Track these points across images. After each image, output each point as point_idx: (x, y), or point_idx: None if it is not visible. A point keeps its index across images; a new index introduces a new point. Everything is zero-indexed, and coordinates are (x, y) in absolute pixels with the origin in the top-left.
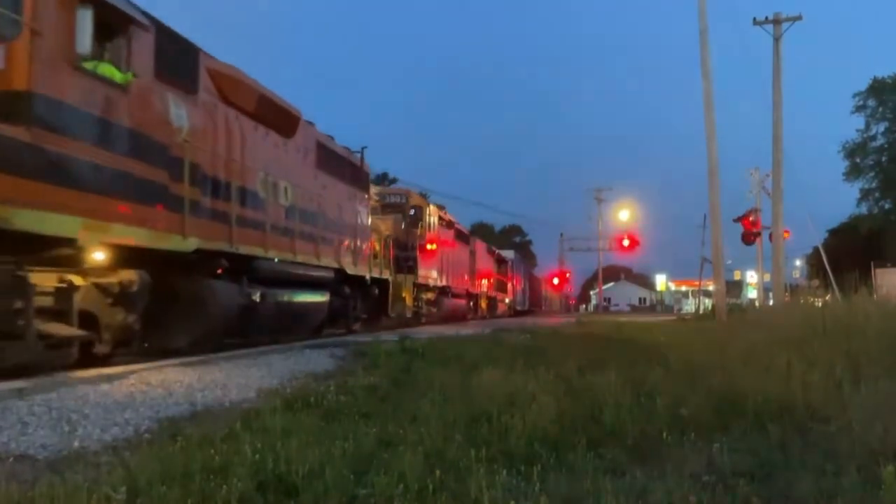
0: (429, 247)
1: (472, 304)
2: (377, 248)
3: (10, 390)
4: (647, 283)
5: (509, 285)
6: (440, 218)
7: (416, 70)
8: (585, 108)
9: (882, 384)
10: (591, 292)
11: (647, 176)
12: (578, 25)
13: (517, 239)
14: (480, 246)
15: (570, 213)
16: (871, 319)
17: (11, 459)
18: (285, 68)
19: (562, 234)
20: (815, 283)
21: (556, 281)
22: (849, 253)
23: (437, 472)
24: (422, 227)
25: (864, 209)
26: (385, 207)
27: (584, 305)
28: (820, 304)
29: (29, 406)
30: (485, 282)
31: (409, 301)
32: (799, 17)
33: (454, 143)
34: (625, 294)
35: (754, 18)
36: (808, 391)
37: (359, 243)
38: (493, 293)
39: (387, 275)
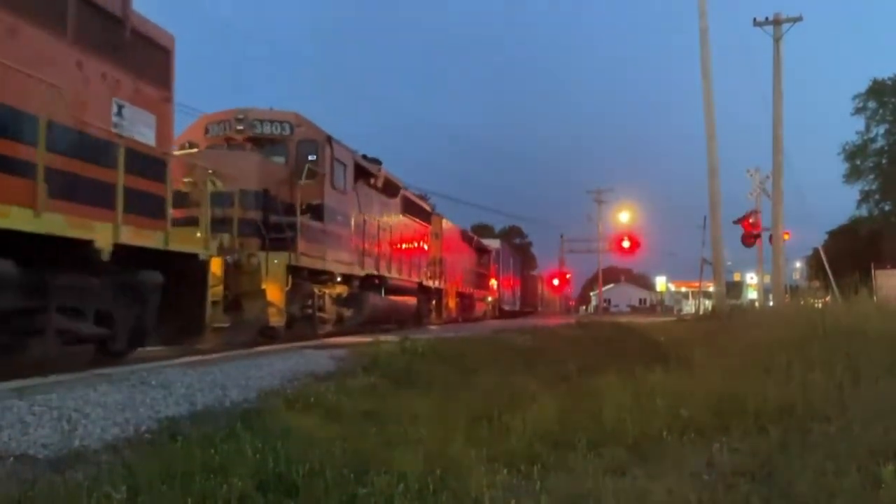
0: (327, 207)
1: (429, 302)
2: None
3: (10, 390)
4: (647, 285)
5: (493, 281)
6: (361, 169)
7: (415, 69)
8: (585, 108)
9: (882, 385)
10: (592, 293)
11: (648, 177)
12: (579, 25)
13: (517, 240)
14: (450, 228)
15: (570, 214)
16: (870, 321)
17: (12, 459)
18: (283, 67)
19: (562, 236)
20: (816, 284)
21: (555, 282)
22: (849, 255)
23: (437, 472)
24: (319, 175)
25: (864, 211)
26: (253, 142)
27: (584, 306)
28: (820, 306)
29: (29, 405)
30: (458, 274)
31: (276, 296)
32: (799, 18)
33: (454, 143)
34: (625, 295)
35: (754, 19)
36: (809, 392)
37: None
38: (468, 289)
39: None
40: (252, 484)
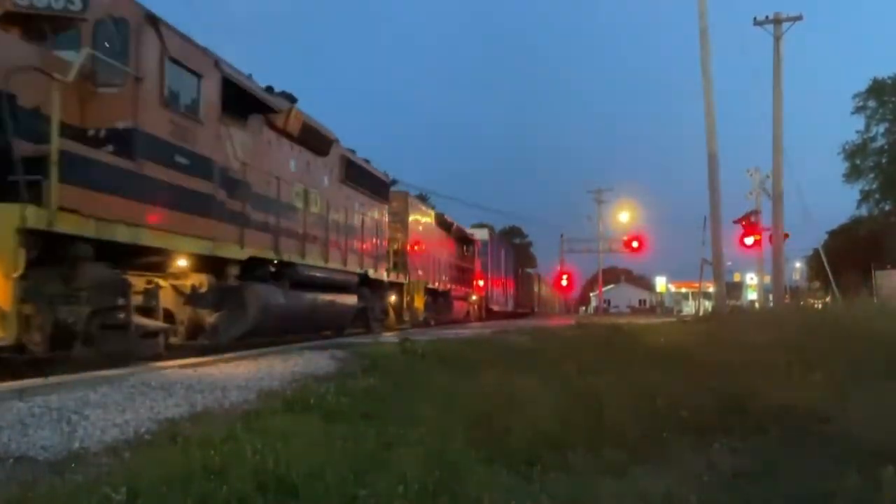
0: (142, 135)
1: (381, 301)
2: None
3: (11, 391)
4: (647, 285)
5: (479, 278)
6: (245, 95)
7: (415, 69)
8: (586, 108)
9: (882, 385)
10: (591, 294)
11: (648, 177)
12: (579, 25)
13: (517, 240)
14: (420, 209)
15: (570, 214)
16: (870, 321)
17: (11, 460)
18: (280, 64)
19: (562, 235)
20: (816, 284)
21: (564, 282)
22: (849, 255)
23: (437, 472)
24: (129, 80)
25: (864, 211)
26: (21, 21)
27: (583, 307)
28: (820, 306)
29: (29, 407)
30: (430, 267)
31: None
32: (799, 17)
33: (454, 143)
34: (624, 295)
35: (755, 18)
36: (809, 392)
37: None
38: (443, 286)
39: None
40: (252, 485)
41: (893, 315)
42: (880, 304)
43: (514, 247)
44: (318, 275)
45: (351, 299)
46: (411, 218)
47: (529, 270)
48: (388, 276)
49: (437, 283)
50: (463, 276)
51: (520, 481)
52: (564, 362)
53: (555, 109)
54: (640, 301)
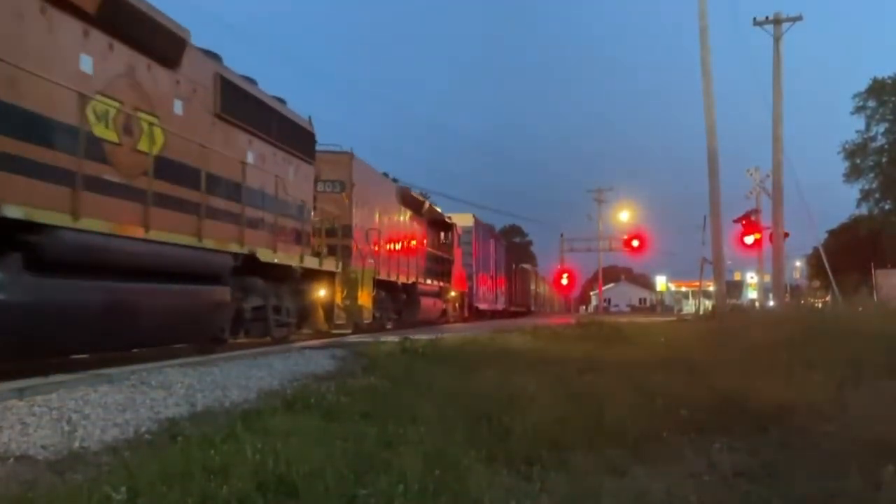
0: None
1: (300, 299)
2: None
3: (11, 390)
4: (647, 284)
5: (461, 272)
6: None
7: (415, 69)
8: (586, 108)
9: (882, 384)
10: (592, 293)
11: (648, 176)
12: (579, 24)
13: (517, 239)
14: (373, 176)
15: (570, 214)
16: (870, 320)
17: (12, 460)
18: (278, 64)
19: (562, 235)
20: (816, 284)
21: (564, 281)
22: (849, 254)
23: (437, 472)
24: None
25: (864, 210)
26: None
27: (584, 306)
28: (820, 305)
29: (29, 406)
30: (388, 253)
31: None
32: (799, 18)
33: (454, 143)
34: (625, 295)
35: (754, 18)
36: (809, 391)
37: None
38: (409, 278)
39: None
40: (252, 485)
41: (893, 314)
42: (880, 304)
43: (512, 243)
44: (121, 249)
45: (215, 294)
46: (358, 188)
47: (526, 266)
48: (303, 261)
49: (396, 275)
50: (438, 267)
51: (520, 481)
52: (565, 363)
53: (555, 109)
54: (640, 300)
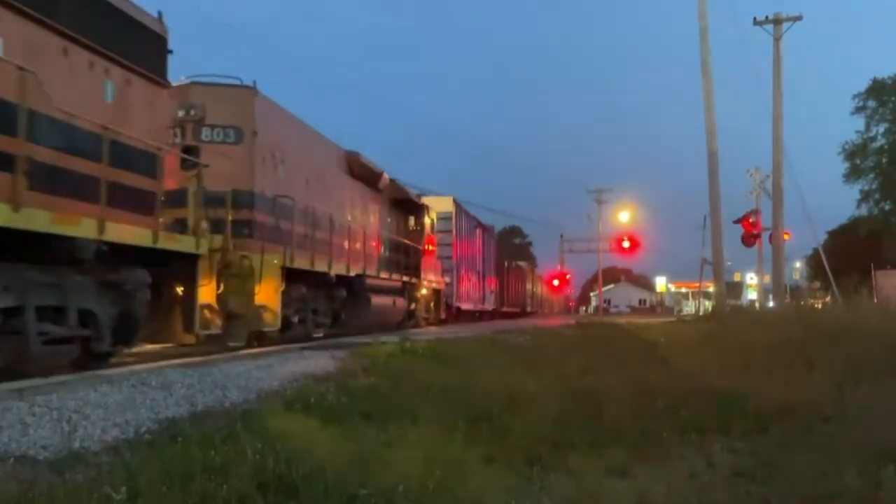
0: None
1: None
2: None
3: (10, 391)
4: (647, 285)
5: (435, 265)
6: None
7: (415, 69)
8: (586, 108)
9: (882, 385)
10: (592, 294)
11: (648, 176)
12: (579, 24)
13: (517, 240)
14: (283, 119)
15: (570, 214)
16: (870, 321)
17: (12, 460)
18: (279, 64)
19: (562, 236)
20: (816, 284)
21: (556, 283)
22: (849, 255)
23: (437, 472)
24: None
25: (864, 211)
26: None
27: (584, 307)
28: (820, 306)
29: (29, 406)
30: (331, 236)
31: None
32: (799, 17)
33: (454, 143)
34: (625, 295)
35: (754, 18)
36: (809, 392)
37: None
38: (349, 266)
39: None
40: (252, 485)
41: (893, 315)
42: (880, 304)
43: (510, 243)
44: None
45: None
46: (265, 138)
47: (521, 264)
48: (103, 233)
49: (328, 264)
50: (402, 258)
51: (520, 481)
52: (565, 363)
53: (555, 109)
54: (640, 301)
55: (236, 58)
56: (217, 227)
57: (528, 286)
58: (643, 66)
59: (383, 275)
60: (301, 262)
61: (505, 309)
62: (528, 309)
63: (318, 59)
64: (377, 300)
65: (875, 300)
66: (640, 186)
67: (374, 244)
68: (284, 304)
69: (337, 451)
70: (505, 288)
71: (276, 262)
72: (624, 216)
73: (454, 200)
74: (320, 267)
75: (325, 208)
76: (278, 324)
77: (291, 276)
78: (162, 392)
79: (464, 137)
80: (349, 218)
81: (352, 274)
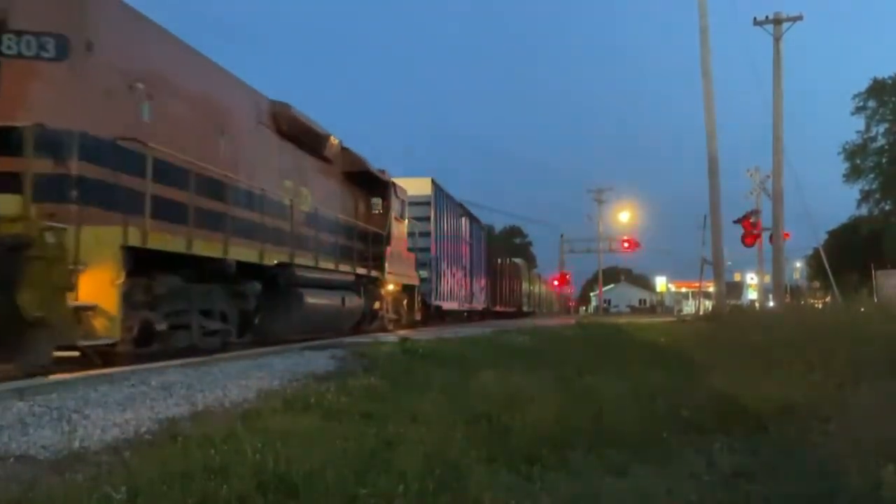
0: None
1: None
2: None
3: (10, 390)
4: (647, 285)
5: (406, 255)
6: None
7: (415, 69)
8: (586, 108)
9: (882, 385)
10: (592, 294)
11: (648, 176)
12: (579, 24)
13: (517, 240)
14: (188, 61)
15: (570, 214)
16: (870, 321)
17: (12, 459)
18: (281, 64)
19: (562, 236)
20: (816, 284)
21: (555, 283)
22: (849, 254)
23: (437, 472)
24: None
25: (864, 211)
26: None
27: (583, 307)
28: (820, 306)
29: (29, 406)
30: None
31: None
32: (799, 17)
33: (454, 143)
34: (625, 295)
35: (755, 18)
36: (809, 392)
37: None
38: (272, 256)
39: None
40: (252, 484)
41: (893, 315)
42: (881, 304)
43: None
44: None
45: None
46: (109, 50)
47: (517, 260)
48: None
49: (223, 248)
50: (358, 245)
51: (520, 481)
52: (565, 363)
53: (555, 110)
54: (640, 301)
55: (234, 56)
56: (13, 184)
57: (525, 285)
58: (644, 65)
59: (325, 265)
60: (163, 241)
61: (498, 308)
62: (526, 308)
63: (316, 58)
64: (314, 298)
65: (875, 300)
66: (641, 186)
67: (311, 225)
68: (134, 304)
69: (337, 451)
70: (498, 285)
71: (111, 239)
72: (624, 216)
73: (433, 181)
74: (208, 250)
75: (230, 170)
76: (117, 333)
77: (154, 262)
78: (162, 392)
79: (464, 137)
80: (271, 188)
81: (271, 262)
